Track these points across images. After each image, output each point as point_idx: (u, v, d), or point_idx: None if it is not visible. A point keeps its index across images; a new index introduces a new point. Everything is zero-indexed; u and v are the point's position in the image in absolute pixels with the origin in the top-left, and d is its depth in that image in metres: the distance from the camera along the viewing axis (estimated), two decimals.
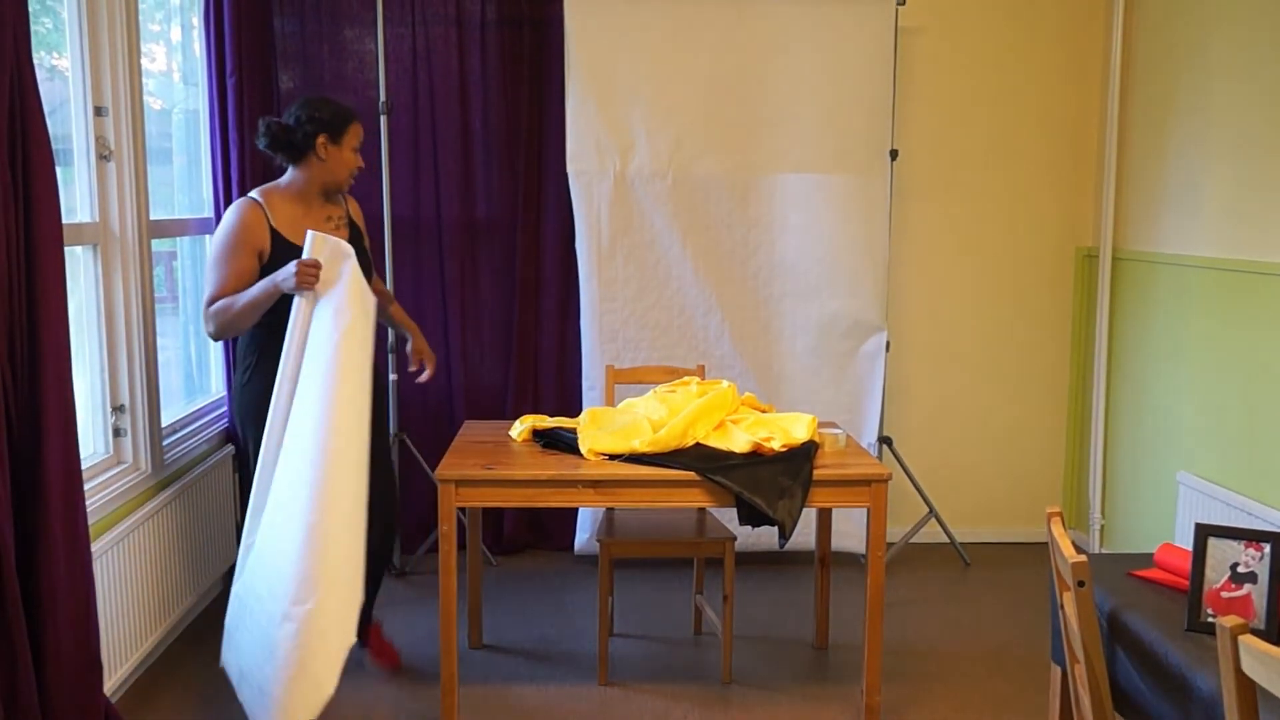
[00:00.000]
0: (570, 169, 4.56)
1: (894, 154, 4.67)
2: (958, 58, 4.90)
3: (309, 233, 3.23)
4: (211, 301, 3.33)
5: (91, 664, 2.87)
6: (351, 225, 3.61)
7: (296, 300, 3.17)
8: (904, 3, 4.63)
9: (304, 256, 3.17)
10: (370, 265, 3.63)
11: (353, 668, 3.76)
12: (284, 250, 3.35)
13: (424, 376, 3.82)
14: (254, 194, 3.45)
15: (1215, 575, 2.35)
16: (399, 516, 4.34)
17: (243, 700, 3.15)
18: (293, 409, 3.11)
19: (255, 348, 3.44)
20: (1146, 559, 2.80)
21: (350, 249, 3.21)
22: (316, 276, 3.14)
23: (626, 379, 4.17)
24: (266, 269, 3.34)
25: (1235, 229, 3.94)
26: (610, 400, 4.13)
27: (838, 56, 4.59)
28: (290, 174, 3.48)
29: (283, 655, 2.94)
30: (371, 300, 3.21)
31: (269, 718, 2.98)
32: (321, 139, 3.41)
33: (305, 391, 3.09)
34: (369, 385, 3.14)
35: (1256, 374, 3.79)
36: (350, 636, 2.99)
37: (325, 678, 2.95)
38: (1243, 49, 3.89)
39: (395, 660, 3.76)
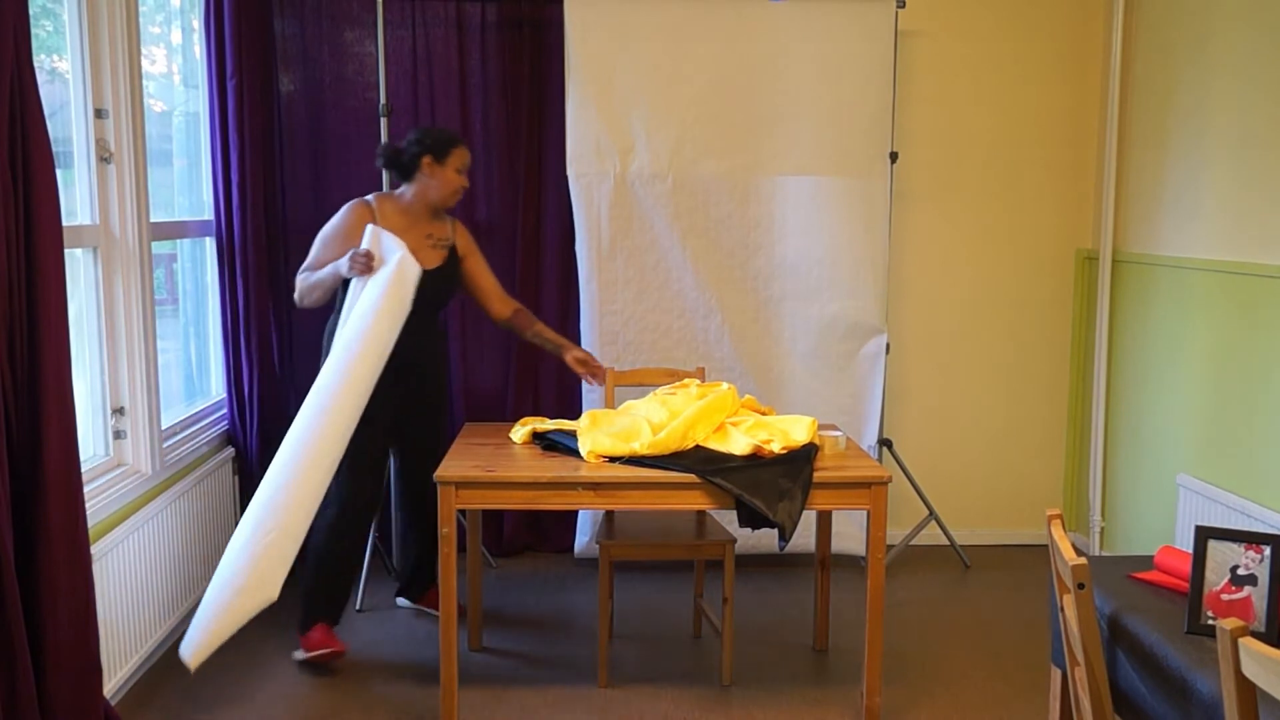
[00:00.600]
0: (570, 171, 4.56)
1: (894, 156, 4.67)
2: (958, 60, 4.90)
3: (368, 226, 3.67)
4: (300, 270, 3.84)
5: (91, 666, 2.87)
6: (451, 250, 3.94)
7: (353, 287, 3.62)
8: (904, 5, 4.63)
9: (361, 248, 3.59)
10: (455, 293, 4.05)
11: (352, 671, 3.76)
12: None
13: (594, 382, 4.07)
14: (370, 196, 3.89)
15: (1215, 578, 2.35)
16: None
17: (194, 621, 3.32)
18: (321, 373, 3.54)
19: (330, 335, 3.81)
20: (1146, 561, 2.80)
21: (401, 248, 3.58)
22: (367, 265, 3.56)
23: (626, 380, 4.17)
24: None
25: (1235, 232, 3.94)
26: (610, 402, 4.13)
27: (838, 59, 4.59)
28: (403, 189, 3.90)
29: (239, 565, 3.31)
30: (404, 299, 3.57)
31: (212, 613, 3.27)
32: (427, 159, 3.81)
33: (332, 358, 3.53)
34: (376, 370, 3.52)
35: (1256, 376, 3.79)
36: (287, 564, 3.36)
37: (271, 581, 3.31)
38: (1242, 51, 3.89)
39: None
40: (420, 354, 3.89)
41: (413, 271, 3.59)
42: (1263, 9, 3.77)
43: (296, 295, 3.86)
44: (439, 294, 3.93)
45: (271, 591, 3.31)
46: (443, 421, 4.13)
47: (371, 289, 3.55)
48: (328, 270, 3.72)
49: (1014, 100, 4.94)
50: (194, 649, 3.24)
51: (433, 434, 4.05)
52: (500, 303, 4.08)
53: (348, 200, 4.57)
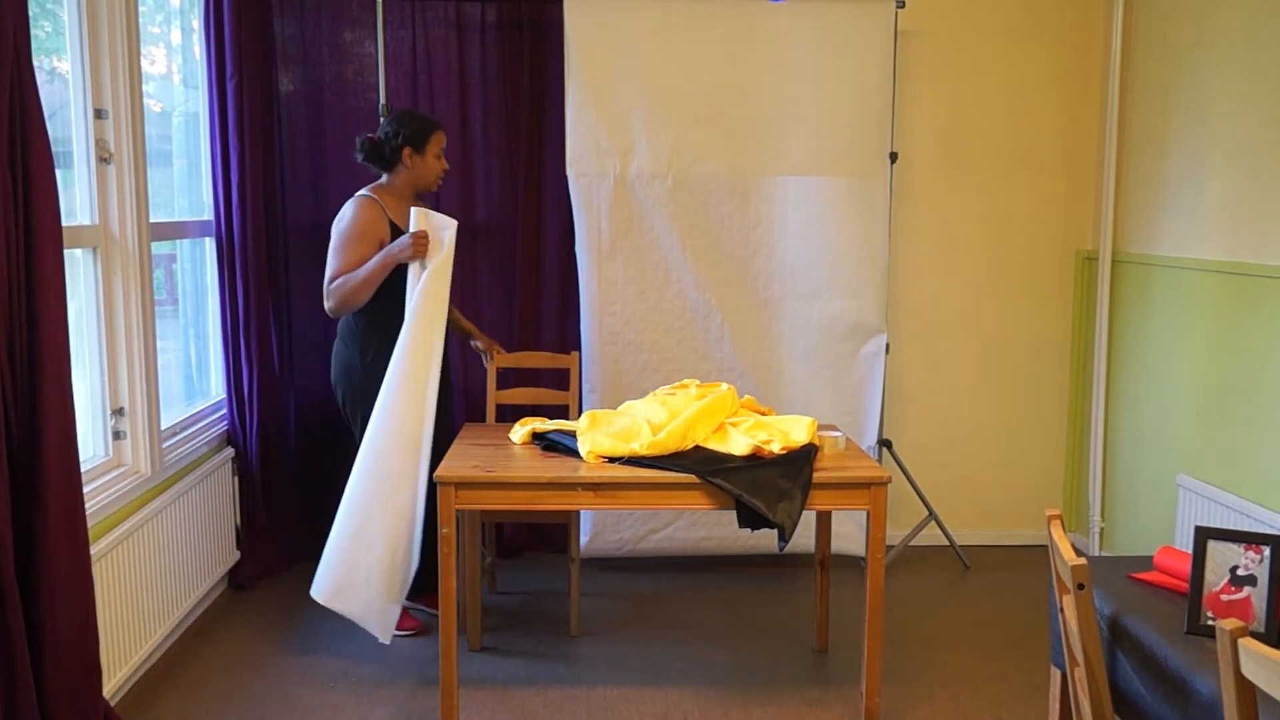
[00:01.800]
0: (570, 171, 4.56)
1: (894, 157, 4.67)
2: (957, 60, 4.90)
3: (413, 209, 3.77)
4: (333, 279, 3.84)
5: (91, 667, 2.87)
6: None
7: (411, 270, 3.72)
8: (904, 5, 4.63)
9: (413, 229, 3.71)
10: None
11: (352, 672, 3.76)
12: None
13: (493, 358, 4.39)
14: (368, 192, 3.95)
15: (1215, 578, 2.36)
16: None
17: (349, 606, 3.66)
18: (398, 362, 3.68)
19: (376, 331, 3.89)
20: (1146, 562, 2.80)
21: (451, 222, 3.75)
22: (425, 246, 3.69)
23: (507, 363, 4.44)
24: None
25: (1234, 232, 3.94)
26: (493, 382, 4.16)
27: (837, 59, 4.59)
28: (386, 178, 4.00)
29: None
30: (449, 266, 3.76)
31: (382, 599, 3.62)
32: (407, 150, 3.92)
33: (403, 345, 3.67)
34: (442, 330, 3.72)
35: (1256, 376, 3.79)
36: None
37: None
38: (1241, 52, 3.89)
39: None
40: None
41: (449, 227, 3.76)
42: (1261, 12, 3.77)
43: (334, 304, 3.84)
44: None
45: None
46: (445, 417, 4.12)
47: (429, 270, 3.71)
48: (376, 261, 3.77)
49: (1013, 100, 4.94)
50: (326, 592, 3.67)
51: (443, 434, 4.03)
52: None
53: (347, 199, 4.58)
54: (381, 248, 3.84)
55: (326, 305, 3.89)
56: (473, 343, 4.45)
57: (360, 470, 3.65)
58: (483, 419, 4.76)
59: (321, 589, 3.69)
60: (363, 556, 3.61)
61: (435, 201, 4.71)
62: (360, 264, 3.82)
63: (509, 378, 4.53)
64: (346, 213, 3.91)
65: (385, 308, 3.82)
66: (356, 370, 3.94)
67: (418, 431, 3.65)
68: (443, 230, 3.74)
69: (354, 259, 3.83)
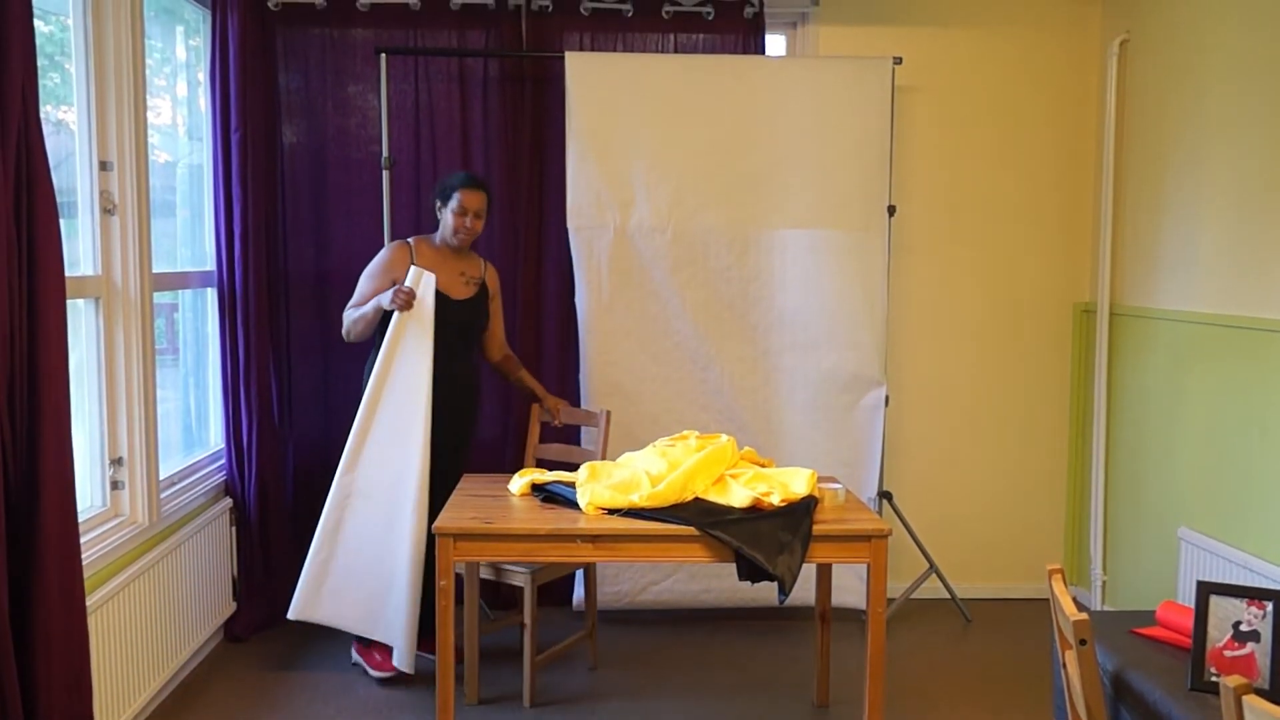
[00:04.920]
0: (570, 223, 4.59)
1: (892, 210, 4.70)
2: (955, 115, 4.95)
3: (412, 267, 3.99)
4: (347, 308, 4.14)
5: (84, 718, 2.84)
6: (482, 286, 4.24)
7: (395, 316, 3.93)
8: (901, 61, 4.68)
9: (405, 285, 3.92)
10: (486, 324, 4.30)
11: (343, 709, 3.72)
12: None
13: (557, 421, 4.45)
14: (410, 238, 4.21)
15: (1218, 634, 2.34)
16: None
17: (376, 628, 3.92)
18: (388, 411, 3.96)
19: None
20: (1149, 616, 2.79)
21: (431, 281, 3.94)
22: (408, 301, 3.89)
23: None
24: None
25: (1232, 285, 3.95)
26: (604, 451, 4.13)
27: (836, 114, 4.63)
28: (436, 231, 4.22)
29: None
30: (428, 317, 3.95)
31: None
32: (437, 204, 4.16)
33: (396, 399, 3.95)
34: (419, 378, 3.91)
35: (1256, 429, 3.79)
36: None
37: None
38: (1236, 106, 3.93)
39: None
40: (452, 387, 4.06)
41: (430, 285, 3.94)
42: (1255, 65, 3.81)
43: (344, 330, 4.14)
44: (469, 323, 4.21)
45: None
46: (461, 461, 4.23)
47: (404, 326, 3.93)
48: (370, 305, 4.00)
49: (1010, 155, 4.99)
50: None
51: (453, 473, 4.09)
52: (499, 347, 4.41)
53: (349, 251, 4.63)
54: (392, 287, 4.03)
55: (343, 330, 4.16)
56: (536, 405, 4.48)
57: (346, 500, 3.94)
58: (481, 471, 4.75)
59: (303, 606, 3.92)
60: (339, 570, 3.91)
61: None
62: (368, 298, 4.05)
63: (549, 433, 4.56)
64: (384, 250, 4.21)
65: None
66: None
67: (401, 471, 3.88)
68: (426, 293, 3.93)
69: (367, 292, 4.09)
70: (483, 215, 4.16)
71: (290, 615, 3.95)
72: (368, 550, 3.90)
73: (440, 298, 3.99)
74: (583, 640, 4.22)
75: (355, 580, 3.91)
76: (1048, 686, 4.07)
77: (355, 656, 4.19)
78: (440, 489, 3.86)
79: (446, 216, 4.12)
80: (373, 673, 4.09)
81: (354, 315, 4.08)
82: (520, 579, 3.84)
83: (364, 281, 4.14)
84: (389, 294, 3.91)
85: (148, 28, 3.78)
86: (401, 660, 3.94)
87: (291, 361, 4.78)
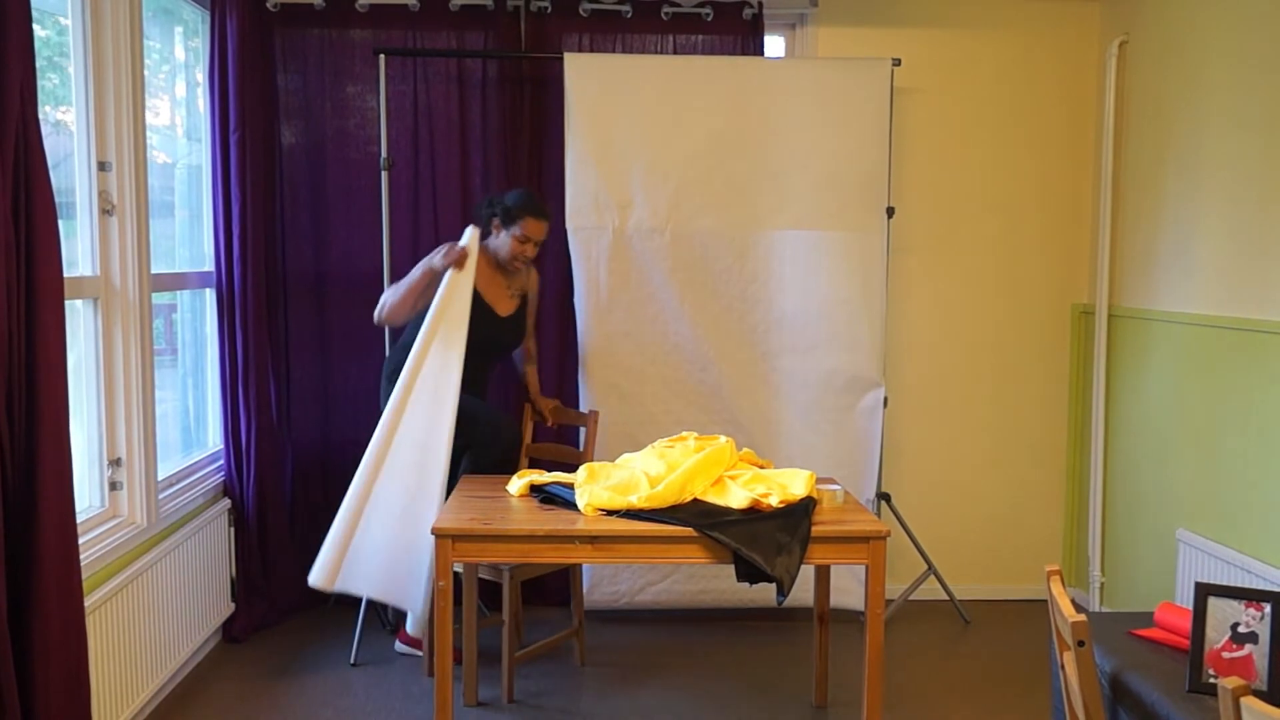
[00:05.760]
0: (569, 225, 4.59)
1: (891, 211, 4.70)
2: (953, 117, 4.96)
3: (469, 228, 4.00)
4: (392, 287, 4.09)
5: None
6: (523, 299, 4.31)
7: (444, 282, 3.92)
8: (899, 63, 4.69)
9: (461, 244, 3.93)
10: (520, 335, 4.33)
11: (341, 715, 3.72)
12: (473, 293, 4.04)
13: (549, 423, 4.47)
14: None
15: (1216, 635, 2.34)
16: None
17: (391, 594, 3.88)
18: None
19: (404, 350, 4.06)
20: (1147, 618, 2.79)
21: (474, 247, 3.97)
22: (462, 261, 3.89)
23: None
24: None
25: (1230, 287, 3.96)
26: (591, 451, 4.14)
27: (835, 116, 4.64)
28: (486, 240, 4.19)
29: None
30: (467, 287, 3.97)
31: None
32: (495, 221, 4.15)
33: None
34: (453, 342, 3.90)
35: (1254, 430, 3.79)
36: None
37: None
38: (1234, 107, 3.94)
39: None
40: (478, 392, 4.14)
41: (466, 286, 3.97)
42: (1253, 66, 3.82)
43: (379, 310, 4.07)
44: (509, 341, 4.29)
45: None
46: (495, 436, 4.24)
47: (451, 293, 3.93)
48: (418, 270, 3.97)
49: (1009, 156, 4.99)
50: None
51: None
52: (525, 338, 4.43)
53: (348, 252, 4.63)
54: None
55: (376, 313, 4.10)
56: (529, 404, 4.51)
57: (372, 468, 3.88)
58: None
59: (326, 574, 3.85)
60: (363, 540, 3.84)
61: None
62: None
63: (544, 433, 4.57)
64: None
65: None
66: (384, 382, 4.17)
67: (427, 436, 3.85)
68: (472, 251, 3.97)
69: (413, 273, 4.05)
70: (540, 245, 4.20)
71: (311, 582, 3.87)
72: (392, 522, 3.85)
73: (485, 310, 4.05)
74: (570, 637, 4.21)
75: (378, 550, 3.85)
76: (1046, 688, 4.07)
77: (401, 646, 4.29)
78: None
79: (505, 238, 4.13)
80: (423, 656, 4.16)
81: (396, 287, 4.04)
82: (499, 576, 3.84)
83: (414, 270, 4.11)
84: (439, 254, 3.90)
85: (146, 28, 3.78)
86: (415, 627, 4.06)
87: (290, 362, 4.78)
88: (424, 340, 3.90)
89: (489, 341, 4.13)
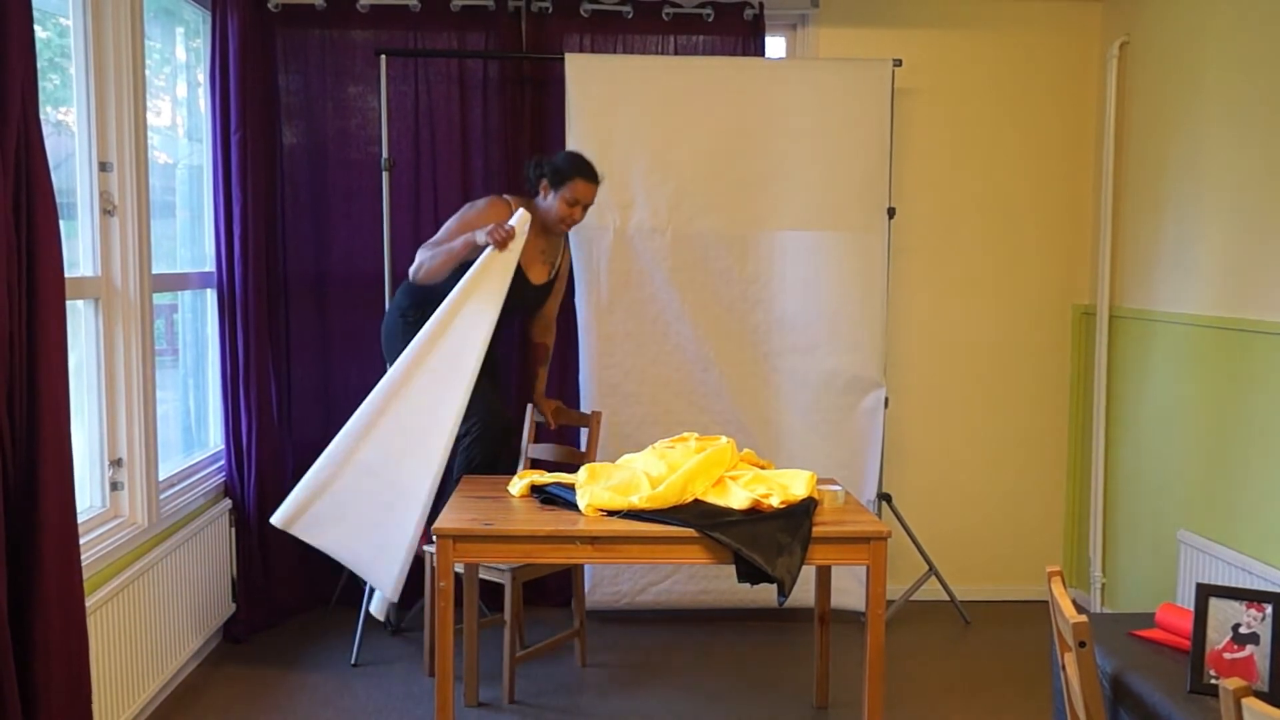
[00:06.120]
0: None
1: (892, 212, 4.70)
2: (954, 117, 4.96)
3: (520, 209, 3.94)
4: (431, 244, 4.01)
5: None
6: (556, 271, 4.30)
7: (483, 256, 3.84)
8: (900, 64, 4.69)
9: (510, 223, 3.86)
10: (543, 304, 4.32)
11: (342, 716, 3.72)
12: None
13: (551, 424, 4.39)
14: (507, 195, 4.17)
15: (1217, 636, 2.34)
16: None
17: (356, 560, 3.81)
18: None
19: (417, 307, 4.05)
20: (1148, 619, 2.79)
21: (526, 225, 3.90)
22: (505, 240, 3.81)
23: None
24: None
25: (1231, 287, 3.95)
26: (594, 451, 4.13)
27: (835, 116, 4.64)
28: (534, 199, 4.16)
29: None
30: (510, 268, 3.90)
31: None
32: (544, 182, 4.08)
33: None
34: (484, 319, 3.82)
35: (1255, 432, 3.79)
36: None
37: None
38: (1237, 107, 3.93)
39: None
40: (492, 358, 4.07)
41: (524, 233, 3.90)
42: (1254, 67, 3.82)
43: (416, 266, 4.01)
44: (532, 308, 4.31)
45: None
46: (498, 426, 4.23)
47: (486, 268, 3.85)
48: (462, 240, 3.92)
49: (1010, 157, 4.99)
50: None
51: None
52: (544, 329, 4.43)
53: (349, 253, 4.62)
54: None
55: (411, 270, 4.05)
56: (531, 405, 4.44)
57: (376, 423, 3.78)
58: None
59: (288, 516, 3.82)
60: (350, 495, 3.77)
61: None
62: (454, 238, 3.98)
63: (545, 434, 4.56)
64: (478, 202, 4.14)
65: (437, 298, 3.91)
66: (397, 330, 4.11)
67: (445, 403, 3.76)
68: (519, 239, 3.90)
69: (456, 232, 4.00)
70: (589, 208, 4.16)
71: (273, 520, 3.84)
72: (371, 484, 3.75)
73: (517, 273, 3.96)
74: (571, 638, 4.21)
75: (350, 510, 3.77)
76: (1047, 689, 4.07)
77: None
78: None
79: (553, 201, 4.07)
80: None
81: (438, 250, 3.98)
82: (501, 576, 3.83)
83: (453, 224, 4.07)
84: (485, 230, 3.83)
85: (147, 29, 3.78)
86: (378, 607, 3.94)
87: (291, 362, 4.78)
88: (450, 309, 3.81)
89: (512, 305, 4.01)
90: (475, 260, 3.88)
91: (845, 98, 4.64)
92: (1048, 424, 5.11)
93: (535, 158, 4.21)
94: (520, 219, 3.90)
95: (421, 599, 4.72)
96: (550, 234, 4.20)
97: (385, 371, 3.96)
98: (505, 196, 4.17)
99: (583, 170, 4.08)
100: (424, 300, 4.03)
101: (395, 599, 3.85)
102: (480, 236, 3.85)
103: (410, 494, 3.72)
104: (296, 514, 3.80)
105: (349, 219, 4.76)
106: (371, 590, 4.16)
